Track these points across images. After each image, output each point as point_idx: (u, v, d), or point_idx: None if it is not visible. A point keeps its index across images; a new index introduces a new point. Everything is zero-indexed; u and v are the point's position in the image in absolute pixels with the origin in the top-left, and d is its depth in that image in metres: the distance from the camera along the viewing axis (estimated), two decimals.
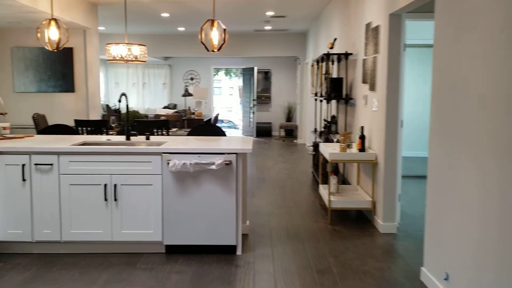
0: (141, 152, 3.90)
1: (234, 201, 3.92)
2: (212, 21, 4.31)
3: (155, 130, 6.07)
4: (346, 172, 6.49)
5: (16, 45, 8.47)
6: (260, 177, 7.58)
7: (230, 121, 19.17)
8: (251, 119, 14.09)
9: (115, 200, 3.92)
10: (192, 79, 14.88)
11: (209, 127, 5.24)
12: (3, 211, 3.92)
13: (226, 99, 24.10)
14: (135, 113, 6.47)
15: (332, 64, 6.70)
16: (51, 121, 8.25)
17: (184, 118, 9.37)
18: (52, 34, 4.34)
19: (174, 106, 13.64)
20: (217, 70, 20.61)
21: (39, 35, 4.38)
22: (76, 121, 6.10)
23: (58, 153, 3.89)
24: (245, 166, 4.49)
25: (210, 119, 9.56)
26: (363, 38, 5.51)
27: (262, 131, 14.51)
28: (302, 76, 12.34)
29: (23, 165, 3.89)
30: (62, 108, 8.48)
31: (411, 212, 5.36)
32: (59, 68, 8.37)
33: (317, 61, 7.37)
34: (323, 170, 6.23)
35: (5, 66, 8.52)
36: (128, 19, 9.66)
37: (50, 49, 4.39)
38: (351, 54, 6.14)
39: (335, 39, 6.82)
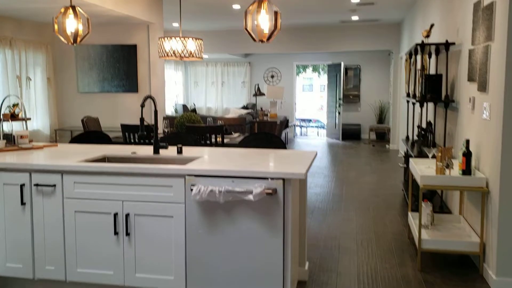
0: (158, 173, 2.97)
1: (281, 245, 2.85)
2: (260, 2, 3.26)
3: (209, 136, 5.18)
4: (446, 195, 5.11)
5: None
6: (338, 193, 6.39)
7: (318, 120, 17.97)
8: (337, 120, 12.79)
9: (127, 234, 3.04)
10: (272, 76, 13.88)
11: (265, 137, 4.21)
12: (2, 239, 3.22)
13: (316, 97, 22.82)
14: (190, 116, 5.61)
15: (429, 57, 5.33)
16: (113, 123, 7.74)
17: (255, 120, 8.41)
18: (69, 25, 3.57)
19: (253, 106, 12.74)
20: (304, 67, 19.48)
21: (56, 26, 3.63)
22: (123, 126, 5.39)
23: (62, 172, 3.10)
24: (303, 194, 3.39)
25: (281, 122, 8.48)
26: (470, 22, 4.17)
27: (349, 134, 13.10)
28: (396, 72, 10.84)
29: (22, 185, 3.15)
30: (126, 109, 7.94)
31: None
32: (122, 67, 7.82)
33: (410, 54, 6.01)
34: (414, 191, 4.92)
35: (69, 66, 8.15)
36: (199, 13, 8.93)
37: (67, 43, 3.63)
38: (453, 43, 4.77)
39: (432, 25, 5.45)
